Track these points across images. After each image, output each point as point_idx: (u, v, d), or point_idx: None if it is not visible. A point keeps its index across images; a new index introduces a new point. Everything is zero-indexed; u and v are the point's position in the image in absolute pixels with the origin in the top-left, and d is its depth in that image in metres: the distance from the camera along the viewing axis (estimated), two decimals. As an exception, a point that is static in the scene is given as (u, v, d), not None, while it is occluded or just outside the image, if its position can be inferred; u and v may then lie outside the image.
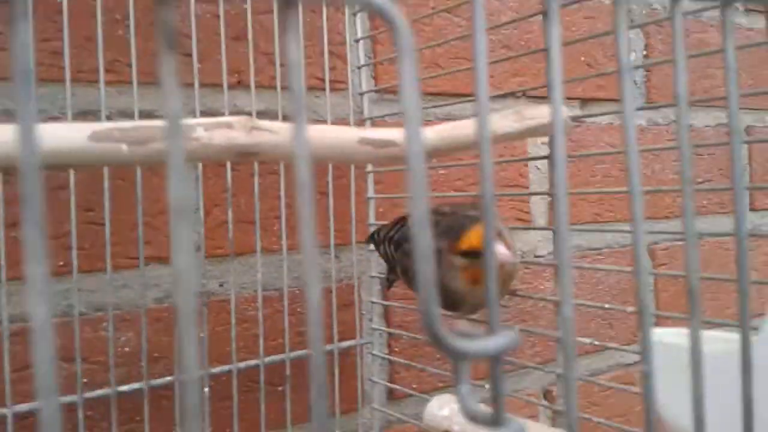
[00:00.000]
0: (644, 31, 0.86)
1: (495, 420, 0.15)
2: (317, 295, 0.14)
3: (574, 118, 0.81)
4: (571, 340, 0.18)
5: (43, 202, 0.11)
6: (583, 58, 0.81)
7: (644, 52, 0.89)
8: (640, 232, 0.20)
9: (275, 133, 0.31)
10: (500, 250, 0.42)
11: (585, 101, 0.82)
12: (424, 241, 0.15)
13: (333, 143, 0.33)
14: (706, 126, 0.92)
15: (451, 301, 0.47)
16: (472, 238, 0.44)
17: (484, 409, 0.16)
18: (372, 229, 0.63)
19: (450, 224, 0.46)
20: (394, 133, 0.37)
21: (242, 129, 0.30)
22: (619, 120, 0.85)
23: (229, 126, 0.30)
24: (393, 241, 0.53)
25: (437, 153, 0.39)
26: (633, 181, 0.20)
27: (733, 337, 0.28)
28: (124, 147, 0.28)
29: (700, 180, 0.91)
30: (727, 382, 0.24)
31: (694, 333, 0.20)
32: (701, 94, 0.90)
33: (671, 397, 0.26)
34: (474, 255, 0.44)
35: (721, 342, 0.27)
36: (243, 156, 0.31)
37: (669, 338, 0.27)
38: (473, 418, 0.16)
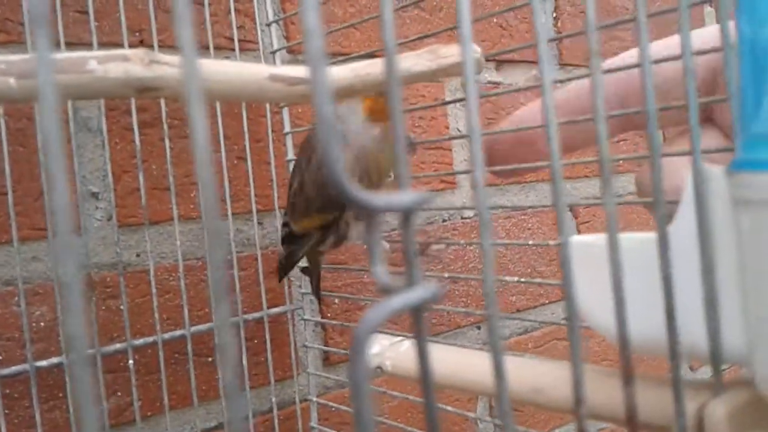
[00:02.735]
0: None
1: (408, 282, 0.15)
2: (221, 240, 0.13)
3: (492, 83, 0.82)
4: (488, 244, 0.18)
5: None
6: (495, 20, 0.82)
7: (554, 14, 0.91)
8: (558, 165, 0.20)
9: (176, 66, 0.30)
10: None
11: (500, 63, 0.83)
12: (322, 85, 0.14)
13: (242, 79, 0.32)
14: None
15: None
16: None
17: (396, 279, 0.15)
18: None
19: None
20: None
21: (140, 62, 0.29)
22: (532, 82, 0.86)
23: (125, 58, 0.29)
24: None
25: (353, 91, 0.38)
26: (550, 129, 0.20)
27: (646, 235, 0.28)
28: (11, 81, 0.26)
29: (615, 140, 0.94)
30: (645, 274, 0.24)
31: (610, 216, 0.20)
32: (610, 55, 0.93)
33: (592, 299, 0.26)
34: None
35: (635, 239, 0.27)
36: (143, 91, 0.29)
37: (586, 239, 0.27)
38: (386, 290, 0.15)
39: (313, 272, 0.59)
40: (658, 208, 0.23)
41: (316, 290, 0.59)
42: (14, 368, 0.46)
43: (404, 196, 0.15)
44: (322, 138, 0.13)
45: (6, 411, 0.46)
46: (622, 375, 0.19)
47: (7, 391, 0.47)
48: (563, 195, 0.18)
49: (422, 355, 0.14)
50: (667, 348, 0.22)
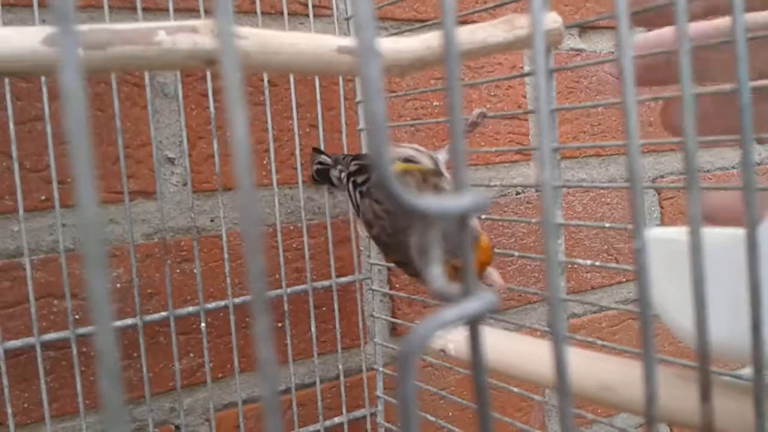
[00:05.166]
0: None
1: (464, 292, 0.14)
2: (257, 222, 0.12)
3: (574, 50, 0.78)
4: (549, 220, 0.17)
5: None
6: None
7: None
8: (635, 140, 0.18)
9: (245, 38, 0.29)
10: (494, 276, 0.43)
11: (584, 29, 0.79)
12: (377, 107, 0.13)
13: (308, 51, 0.31)
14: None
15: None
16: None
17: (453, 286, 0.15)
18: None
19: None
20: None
21: (208, 33, 0.28)
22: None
23: (194, 30, 0.28)
24: (356, 185, 0.51)
25: (424, 63, 0.37)
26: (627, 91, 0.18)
27: (733, 231, 0.26)
28: (80, 51, 0.26)
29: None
30: (728, 273, 0.22)
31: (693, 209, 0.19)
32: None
33: (670, 296, 0.24)
34: None
35: (721, 235, 0.25)
36: (210, 63, 0.29)
37: (667, 234, 0.25)
38: (442, 296, 0.14)
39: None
40: (749, 204, 0.21)
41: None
42: (91, 328, 0.48)
43: (460, 200, 0.13)
44: (371, 140, 0.12)
45: (82, 369, 0.48)
46: (700, 389, 0.17)
47: (84, 349, 0.49)
48: (641, 194, 0.17)
49: (478, 371, 0.13)
50: (749, 356, 0.20)
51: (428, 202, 0.13)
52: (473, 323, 0.14)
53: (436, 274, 0.15)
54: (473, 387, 0.14)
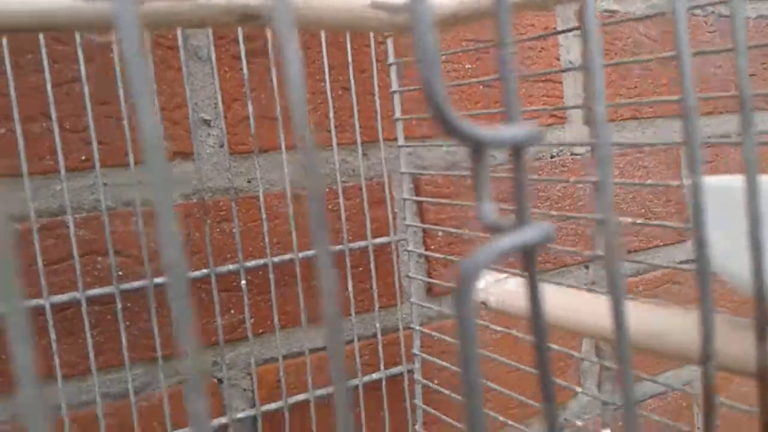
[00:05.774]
0: None
1: (518, 222, 0.14)
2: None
3: (608, 12, 0.76)
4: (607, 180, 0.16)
5: None
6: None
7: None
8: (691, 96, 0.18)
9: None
10: None
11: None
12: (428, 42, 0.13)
13: (340, 6, 0.31)
14: (746, 18, 0.86)
15: None
16: None
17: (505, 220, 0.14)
18: (399, 125, 0.60)
19: None
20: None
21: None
22: (654, 10, 0.79)
23: (232, -18, 0.28)
24: None
25: (458, 19, 0.36)
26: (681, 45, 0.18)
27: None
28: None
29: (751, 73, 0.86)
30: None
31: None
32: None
33: (724, 244, 0.24)
34: None
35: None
36: (245, 19, 0.29)
37: (721, 182, 0.25)
38: (494, 229, 0.14)
39: None
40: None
41: None
42: (135, 284, 0.49)
43: (515, 130, 0.13)
44: (424, 70, 0.12)
45: (126, 323, 0.49)
46: (757, 329, 0.17)
47: (128, 304, 0.50)
48: (698, 130, 0.16)
49: (535, 299, 0.13)
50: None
51: (483, 130, 0.13)
52: (528, 252, 0.14)
53: (487, 208, 0.15)
54: (531, 321, 0.14)
